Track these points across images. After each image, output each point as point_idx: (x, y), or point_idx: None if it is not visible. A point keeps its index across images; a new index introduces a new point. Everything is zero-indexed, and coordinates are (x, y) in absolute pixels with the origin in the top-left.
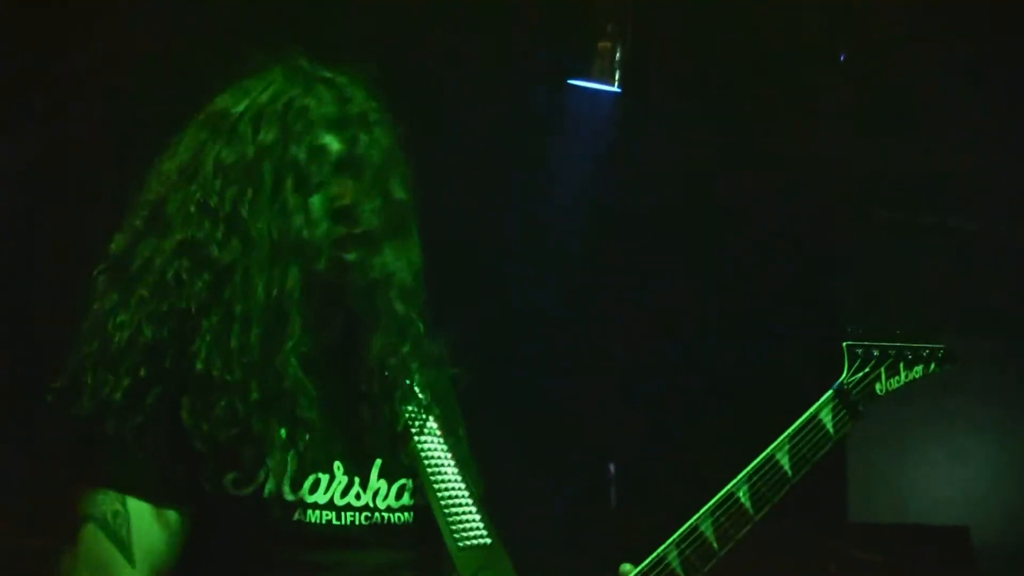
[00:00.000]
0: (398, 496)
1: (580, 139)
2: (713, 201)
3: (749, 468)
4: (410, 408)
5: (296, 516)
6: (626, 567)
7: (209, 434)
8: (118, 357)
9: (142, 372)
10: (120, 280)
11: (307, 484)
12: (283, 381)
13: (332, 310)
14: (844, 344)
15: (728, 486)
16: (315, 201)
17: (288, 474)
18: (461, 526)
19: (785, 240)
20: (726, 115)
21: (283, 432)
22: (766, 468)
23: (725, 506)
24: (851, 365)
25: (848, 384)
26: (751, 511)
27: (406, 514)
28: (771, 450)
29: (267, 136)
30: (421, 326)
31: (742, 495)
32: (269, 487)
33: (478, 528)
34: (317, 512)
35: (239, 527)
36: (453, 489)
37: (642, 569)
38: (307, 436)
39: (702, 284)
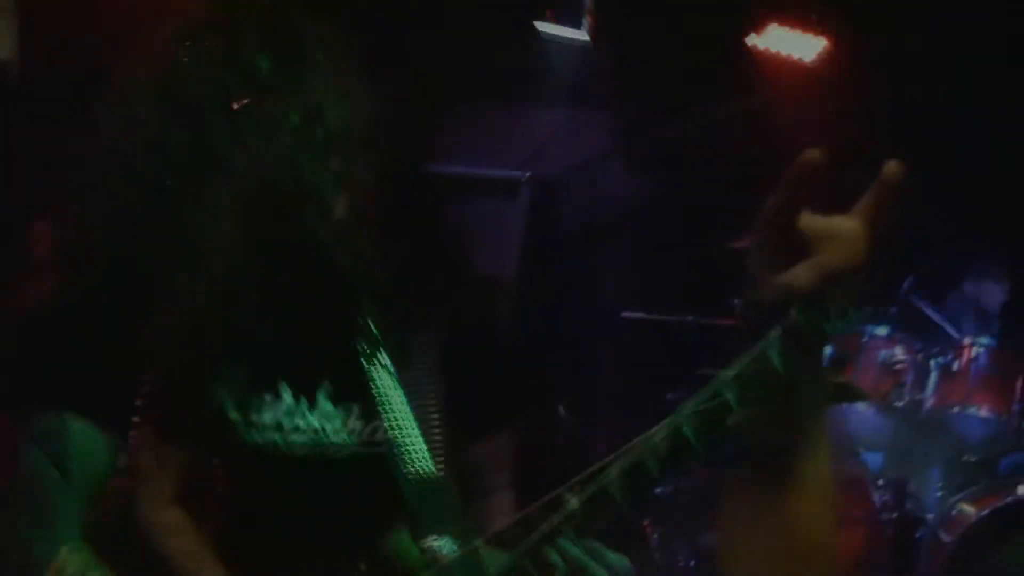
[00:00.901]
0: (345, 422)
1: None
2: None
3: (621, 468)
4: (364, 337)
5: (241, 436)
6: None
7: (159, 351)
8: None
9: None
10: None
11: (252, 404)
12: (232, 302)
13: (285, 233)
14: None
15: (601, 480)
16: (260, 126)
17: (234, 392)
18: (408, 455)
19: None
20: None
21: (231, 349)
22: (636, 467)
23: (596, 495)
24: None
25: (693, 412)
26: (620, 501)
27: (352, 438)
28: (637, 457)
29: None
30: (377, 266)
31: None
32: (217, 405)
33: (423, 458)
34: (262, 432)
35: (192, 444)
36: (401, 419)
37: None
38: (253, 355)
39: None
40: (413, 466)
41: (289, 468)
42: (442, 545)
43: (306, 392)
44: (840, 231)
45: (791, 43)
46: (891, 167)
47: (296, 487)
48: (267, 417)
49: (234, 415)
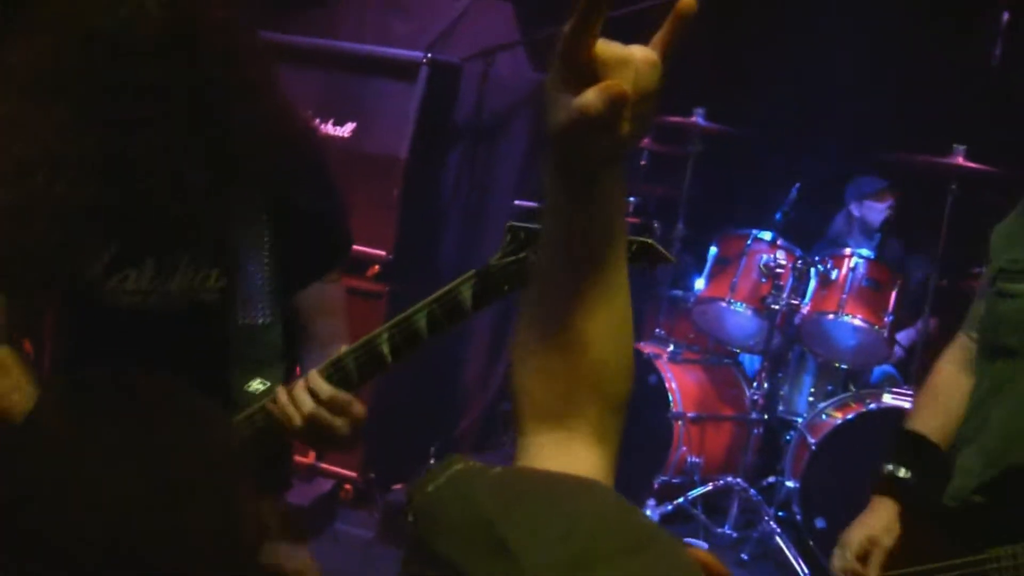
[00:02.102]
0: (202, 280)
1: None
2: None
3: (390, 323)
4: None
5: (111, 302)
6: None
7: (35, 233)
8: None
9: None
10: None
11: (120, 274)
12: (89, 181)
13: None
14: (507, 224)
15: (372, 333)
16: None
17: (103, 265)
18: (238, 303)
19: None
20: None
21: (97, 226)
22: (405, 325)
23: (367, 348)
24: (506, 245)
25: (494, 264)
26: (388, 358)
27: (206, 296)
28: (413, 311)
29: None
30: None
31: (382, 342)
32: (90, 277)
33: (252, 306)
34: (126, 297)
35: (76, 312)
36: (231, 268)
37: (323, 367)
38: (120, 228)
39: None
40: (242, 312)
41: (123, 317)
42: (265, 389)
43: (168, 260)
44: (633, 58)
45: None
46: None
47: (129, 335)
48: (127, 285)
49: (105, 284)
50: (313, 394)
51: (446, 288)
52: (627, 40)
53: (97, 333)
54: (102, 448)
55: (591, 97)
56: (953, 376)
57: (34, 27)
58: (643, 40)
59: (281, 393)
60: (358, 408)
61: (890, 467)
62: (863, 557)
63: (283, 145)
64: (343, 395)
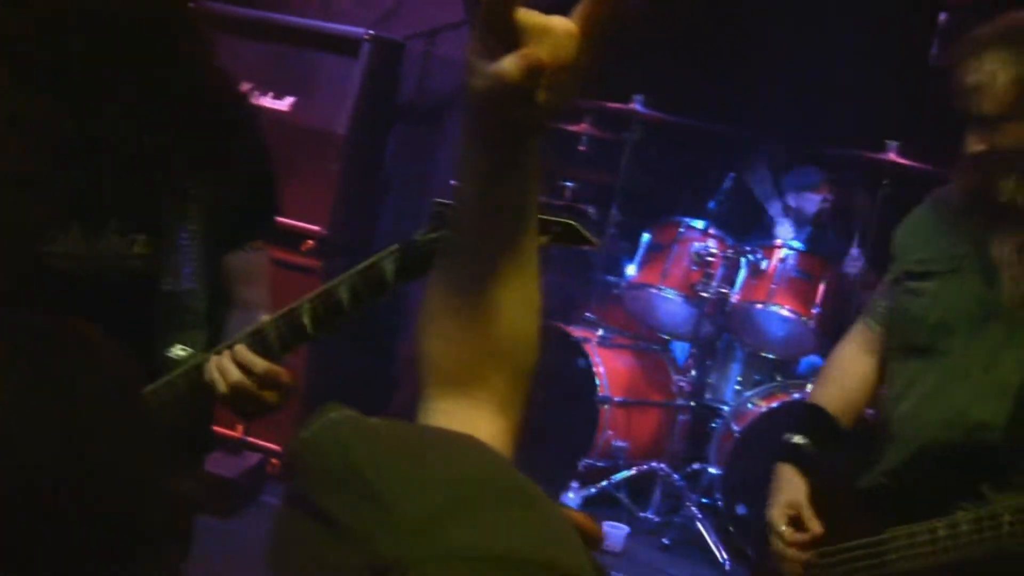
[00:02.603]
0: (128, 245)
1: None
2: None
3: (312, 294)
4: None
5: (38, 264)
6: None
7: None
8: None
9: None
10: None
11: (48, 238)
12: (10, 150)
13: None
14: (432, 201)
15: (294, 303)
16: None
17: (29, 227)
18: (163, 268)
19: None
20: None
21: (14, 196)
22: (326, 296)
23: (288, 318)
24: (432, 222)
25: (418, 240)
26: (309, 329)
27: (132, 262)
28: (335, 282)
29: None
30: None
31: (304, 313)
32: (15, 240)
33: (177, 271)
34: (53, 260)
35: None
36: (158, 232)
37: (244, 336)
38: (47, 192)
39: None
40: (167, 278)
41: (51, 280)
42: (187, 356)
43: (94, 225)
44: (554, 28)
45: None
46: None
47: (56, 298)
48: (54, 247)
49: (15, 246)
50: (242, 367)
51: (369, 261)
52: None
53: (20, 292)
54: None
55: (508, 64)
56: (852, 355)
57: None
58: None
59: (211, 360)
60: (287, 378)
61: (790, 436)
62: (795, 525)
63: (213, 110)
64: (272, 367)
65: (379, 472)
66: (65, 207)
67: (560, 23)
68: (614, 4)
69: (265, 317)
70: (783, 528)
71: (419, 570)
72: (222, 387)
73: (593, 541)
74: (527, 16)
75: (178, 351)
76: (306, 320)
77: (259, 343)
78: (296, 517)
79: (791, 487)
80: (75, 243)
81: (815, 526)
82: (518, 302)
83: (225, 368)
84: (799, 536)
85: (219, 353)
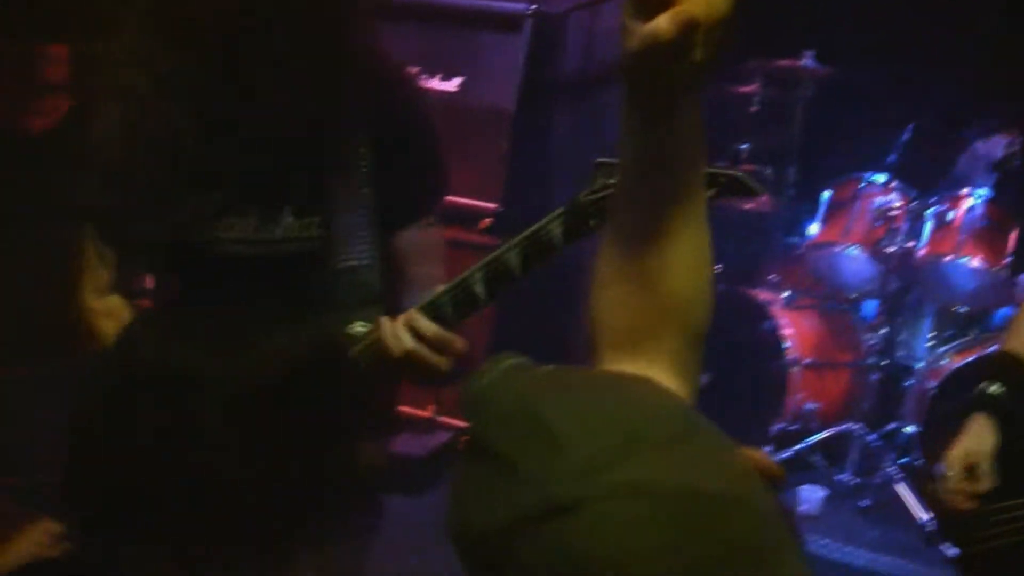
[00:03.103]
0: (305, 228)
1: None
2: None
3: (482, 261)
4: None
5: (217, 251)
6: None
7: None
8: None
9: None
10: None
11: (224, 223)
12: (189, 141)
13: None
14: (595, 160)
15: (466, 272)
16: None
17: (205, 218)
18: (338, 246)
19: None
20: None
21: (196, 186)
22: (497, 263)
23: (461, 287)
24: (593, 181)
25: (583, 199)
26: (482, 296)
27: (310, 243)
28: (504, 248)
29: None
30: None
31: (476, 281)
32: (217, 234)
33: (352, 249)
34: (232, 246)
35: (183, 262)
36: (333, 212)
37: (419, 306)
38: (224, 178)
39: None
40: (342, 256)
41: (228, 264)
42: (367, 331)
43: (270, 210)
44: None
45: None
46: None
47: (233, 280)
48: (232, 235)
49: (209, 235)
50: (415, 332)
51: (537, 225)
52: None
53: (201, 278)
54: None
55: (662, 22)
56: None
57: None
58: None
59: (385, 325)
60: (459, 344)
61: (982, 385)
62: (969, 474)
63: (380, 90)
64: (446, 333)
65: (554, 414)
66: (240, 194)
67: None
68: None
69: (439, 288)
70: (952, 473)
71: (598, 507)
72: (396, 352)
73: (775, 480)
74: None
75: (358, 327)
76: (479, 288)
77: (434, 312)
78: (473, 459)
79: (978, 437)
80: (253, 229)
81: (988, 481)
82: (689, 258)
83: (399, 334)
84: (966, 485)
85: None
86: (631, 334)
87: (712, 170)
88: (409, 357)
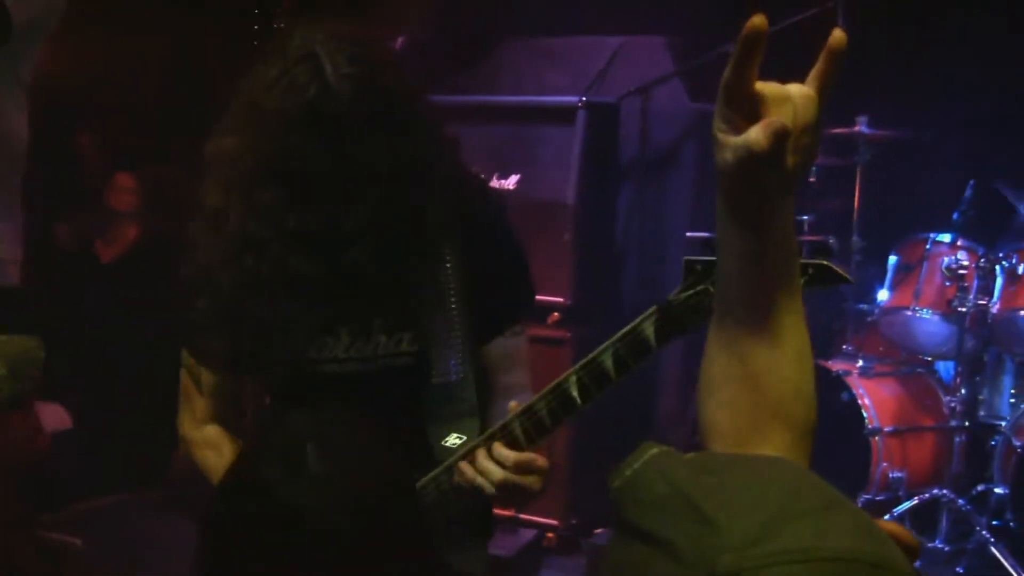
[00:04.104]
0: (396, 344)
1: None
2: None
3: (577, 366)
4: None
5: (311, 370)
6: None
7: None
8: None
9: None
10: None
11: (317, 346)
12: (285, 266)
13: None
14: (684, 259)
15: (561, 378)
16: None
17: (302, 341)
18: (431, 361)
19: None
20: None
21: (294, 311)
22: (592, 366)
23: (557, 393)
24: (685, 280)
25: (675, 299)
26: (579, 400)
27: (401, 360)
28: (599, 352)
29: None
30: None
31: (572, 385)
32: (309, 354)
33: (445, 363)
34: (325, 365)
35: (278, 383)
36: (425, 327)
37: (515, 416)
38: (310, 300)
39: None
40: (436, 371)
41: (322, 382)
42: (461, 444)
43: (361, 329)
44: (791, 94)
45: None
46: (836, 35)
47: (328, 398)
48: (325, 354)
49: (306, 356)
50: (498, 462)
51: (629, 327)
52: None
53: (296, 398)
54: None
55: (755, 133)
56: None
57: (231, 120)
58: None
59: (466, 467)
60: (542, 462)
61: None
62: None
63: (464, 203)
64: (526, 455)
65: (705, 495)
66: (332, 315)
67: (797, 88)
68: (842, 61)
69: (534, 396)
70: None
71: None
72: (489, 488)
73: (911, 551)
74: (764, 87)
75: (453, 440)
76: (575, 392)
77: (530, 420)
78: (627, 543)
79: None
80: (345, 348)
81: None
82: (792, 354)
83: (485, 469)
84: None
85: (477, 448)
86: (740, 434)
87: (801, 260)
88: (500, 486)
